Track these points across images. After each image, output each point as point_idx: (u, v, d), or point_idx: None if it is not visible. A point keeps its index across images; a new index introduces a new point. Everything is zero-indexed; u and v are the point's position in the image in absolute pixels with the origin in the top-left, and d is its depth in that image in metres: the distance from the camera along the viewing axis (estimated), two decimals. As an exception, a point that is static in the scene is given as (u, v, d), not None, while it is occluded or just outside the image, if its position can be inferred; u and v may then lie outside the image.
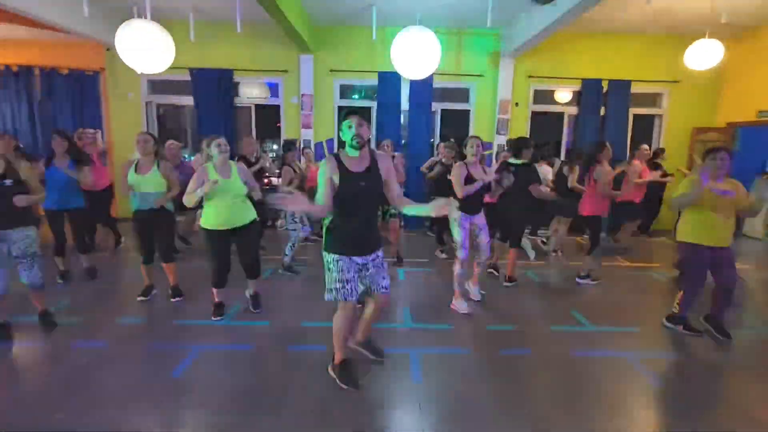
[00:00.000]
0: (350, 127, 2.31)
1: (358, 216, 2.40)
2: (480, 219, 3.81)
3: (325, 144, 7.49)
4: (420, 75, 5.11)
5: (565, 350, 3.16)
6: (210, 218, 3.29)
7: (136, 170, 3.59)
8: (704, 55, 5.23)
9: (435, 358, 3.00)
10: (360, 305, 2.78)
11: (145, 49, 4.54)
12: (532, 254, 5.55)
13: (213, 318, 3.49)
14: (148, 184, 3.59)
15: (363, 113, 2.36)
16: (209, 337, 3.23)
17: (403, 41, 4.78)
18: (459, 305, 3.79)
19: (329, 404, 2.45)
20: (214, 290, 3.55)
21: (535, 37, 6.02)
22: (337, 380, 2.60)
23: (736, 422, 2.40)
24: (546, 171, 5.95)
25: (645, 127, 7.81)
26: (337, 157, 2.38)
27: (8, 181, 2.89)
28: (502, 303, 4.03)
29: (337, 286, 2.42)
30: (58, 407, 2.37)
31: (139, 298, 3.84)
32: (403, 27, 4.82)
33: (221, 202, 3.27)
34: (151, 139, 3.64)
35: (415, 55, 4.81)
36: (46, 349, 3.03)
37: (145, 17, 4.67)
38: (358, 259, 2.45)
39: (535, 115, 7.64)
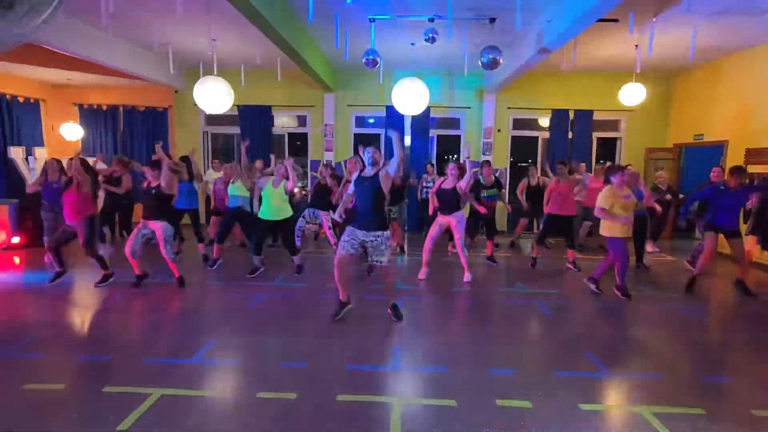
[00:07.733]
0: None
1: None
2: (446, 218, 5.30)
3: (343, 163, 9.26)
4: (413, 112, 6.86)
5: (503, 299, 4.79)
6: None
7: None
8: (631, 94, 6.82)
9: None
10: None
11: (214, 97, 6.44)
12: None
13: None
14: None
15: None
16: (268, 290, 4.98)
17: (399, 88, 6.54)
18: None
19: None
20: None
21: (510, 76, 7.70)
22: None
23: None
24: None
25: (609, 147, 9.37)
26: None
27: (154, 189, 4.71)
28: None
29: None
30: (185, 319, 4.15)
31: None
32: (403, 72, 6.60)
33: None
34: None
35: (409, 98, 6.57)
36: (177, 291, 4.84)
37: (213, 72, 6.60)
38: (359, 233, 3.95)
39: (515, 139, 9.30)
